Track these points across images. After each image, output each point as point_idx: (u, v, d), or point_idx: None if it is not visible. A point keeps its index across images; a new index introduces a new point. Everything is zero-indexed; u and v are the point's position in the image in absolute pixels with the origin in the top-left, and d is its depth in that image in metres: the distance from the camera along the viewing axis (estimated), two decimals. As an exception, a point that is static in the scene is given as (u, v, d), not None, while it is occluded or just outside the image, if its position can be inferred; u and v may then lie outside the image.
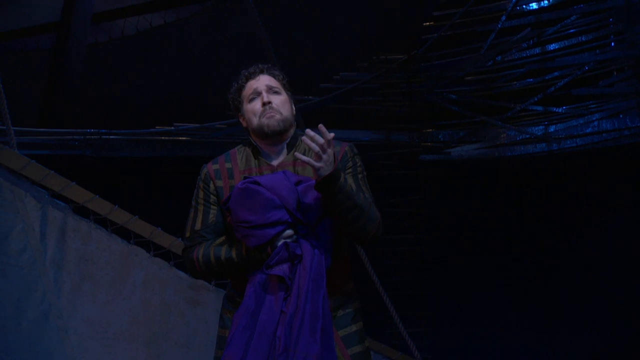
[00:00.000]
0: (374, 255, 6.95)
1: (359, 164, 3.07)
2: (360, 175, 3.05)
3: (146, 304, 5.06)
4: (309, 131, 2.85)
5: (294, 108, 3.08)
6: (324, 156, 2.83)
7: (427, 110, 9.25)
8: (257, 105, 3.00)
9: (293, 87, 3.19)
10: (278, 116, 2.97)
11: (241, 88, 3.06)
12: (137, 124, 9.39)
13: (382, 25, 9.83)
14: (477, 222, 8.96)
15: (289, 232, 2.86)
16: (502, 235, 8.91)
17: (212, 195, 3.00)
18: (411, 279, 8.21)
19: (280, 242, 2.84)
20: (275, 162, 2.99)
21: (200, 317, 5.11)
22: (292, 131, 3.03)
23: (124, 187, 8.36)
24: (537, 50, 9.10)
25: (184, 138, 9.14)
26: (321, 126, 2.88)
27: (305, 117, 9.37)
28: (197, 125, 8.98)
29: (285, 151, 3.02)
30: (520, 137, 8.99)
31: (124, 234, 5.20)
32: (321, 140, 2.84)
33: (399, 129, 9.11)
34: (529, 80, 9.13)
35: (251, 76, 3.06)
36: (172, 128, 9.18)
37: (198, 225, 3.00)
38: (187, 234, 3.03)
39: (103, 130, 9.12)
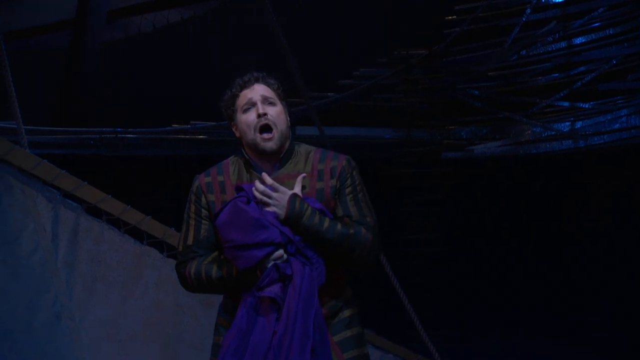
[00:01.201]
0: (394, 255, 6.94)
1: (357, 181, 3.05)
2: (360, 195, 3.04)
3: (159, 305, 5.09)
4: (258, 184, 2.88)
5: (288, 119, 3.07)
6: (270, 201, 2.87)
7: (449, 107, 9.23)
8: (251, 116, 2.98)
9: (298, 91, 3.18)
10: (276, 135, 2.96)
11: (235, 97, 3.05)
12: (153, 122, 9.46)
13: (402, 19, 9.81)
14: (500, 222, 8.92)
15: (278, 253, 2.87)
16: (526, 236, 8.87)
17: (203, 210, 3.01)
18: (432, 280, 8.20)
19: (270, 264, 2.85)
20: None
21: (214, 318, 5.12)
22: (287, 145, 3.02)
23: (139, 186, 8.42)
24: (563, 44, 9.05)
25: (200, 136, 9.19)
26: (264, 174, 2.93)
27: (324, 114, 9.39)
28: (214, 124, 9.02)
29: (278, 165, 3.02)
30: (546, 134, 8.95)
31: (137, 234, 5.24)
32: (261, 187, 2.88)
33: (420, 126, 9.10)
34: (554, 75, 9.08)
35: (246, 85, 3.04)
36: (189, 126, 9.23)
37: (190, 240, 3.02)
38: (180, 249, 3.05)
39: (119, 129, 9.19)
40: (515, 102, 9.12)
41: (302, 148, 3.08)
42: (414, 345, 6.05)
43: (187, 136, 9.32)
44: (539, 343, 8.33)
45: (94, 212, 5.18)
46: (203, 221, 3.01)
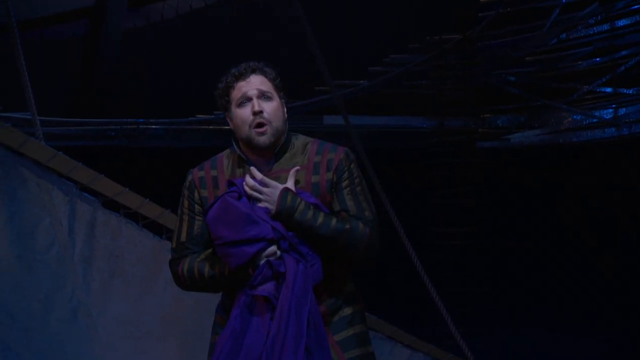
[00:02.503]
0: (424, 249, 6.95)
1: (355, 174, 3.04)
2: (358, 188, 3.03)
3: (178, 301, 5.15)
4: (248, 179, 2.91)
5: (286, 112, 3.08)
6: (261, 196, 2.90)
7: (484, 94, 9.19)
8: (246, 112, 2.98)
9: (292, 89, 3.15)
10: (269, 130, 2.97)
11: (230, 88, 3.04)
12: (176, 112, 9.53)
13: (435, 3, 9.78)
14: (538, 215, 8.87)
15: (271, 249, 2.87)
16: (566, 230, 8.81)
17: (196, 205, 3.02)
18: (465, 276, 8.18)
19: (263, 261, 2.86)
20: (262, 172, 3.00)
21: (235, 315, 5.18)
22: (282, 139, 3.03)
23: (160, 179, 8.50)
24: (606, 26, 8.96)
25: (225, 127, 9.25)
26: (253, 169, 2.95)
27: (353, 103, 9.39)
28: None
29: (273, 159, 3.03)
30: (587, 122, 8.89)
31: (156, 228, 5.29)
32: (251, 182, 2.90)
33: (454, 115, 9.07)
34: (596, 59, 9.00)
35: (241, 76, 3.02)
36: (213, 116, 9.30)
37: (183, 237, 3.03)
38: (174, 245, 3.07)
39: (140, 120, 9.28)
40: (554, 89, 9.06)
41: (300, 140, 3.07)
42: (444, 343, 6.06)
43: (210, 127, 9.38)
44: (575, 344, 8.29)
45: (112, 205, 5.25)
46: (196, 217, 3.03)
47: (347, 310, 3.02)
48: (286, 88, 3.08)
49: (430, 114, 9.13)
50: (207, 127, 9.47)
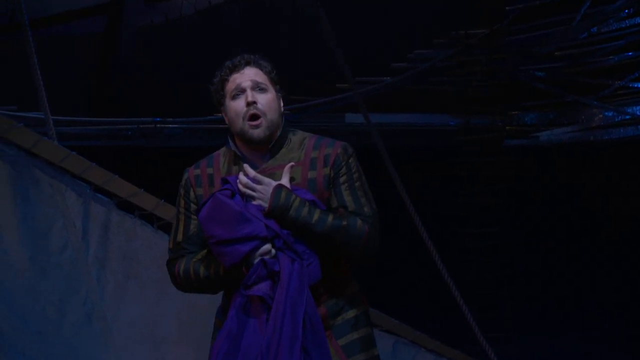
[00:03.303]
0: (448, 250, 6.92)
1: (354, 169, 3.02)
2: (357, 183, 3.00)
3: (194, 305, 5.15)
4: (241, 177, 2.89)
5: (281, 105, 3.06)
6: (255, 194, 2.88)
7: (511, 90, 9.15)
8: (240, 104, 2.97)
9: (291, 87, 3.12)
10: (264, 123, 2.95)
11: (224, 81, 3.04)
12: (194, 111, 9.56)
13: (460, -4, 9.75)
14: (568, 216, 8.81)
15: (265, 248, 2.86)
16: (596, 230, 8.74)
17: (192, 204, 3.02)
18: (491, 278, 8.14)
19: (257, 260, 2.85)
20: (258, 168, 2.99)
21: (253, 319, 5.18)
22: (277, 133, 3.01)
23: (176, 179, 8.53)
24: (638, 19, 8.89)
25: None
26: (246, 166, 2.93)
27: (376, 100, 9.37)
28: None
29: (269, 155, 3.01)
30: (619, 118, 8.82)
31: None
32: (244, 180, 2.88)
33: (480, 112, 9.03)
34: (628, 53, 8.92)
35: (235, 68, 3.02)
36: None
37: (180, 237, 3.04)
38: (170, 246, 3.08)
39: (158, 119, 9.32)
40: (584, 84, 9.00)
41: (297, 136, 3.06)
42: (470, 348, 6.03)
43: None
44: (607, 349, 8.22)
45: (126, 206, 5.26)
46: (192, 216, 3.03)
47: (350, 313, 3.00)
48: (283, 83, 3.07)
49: (455, 112, 9.10)
50: (225, 125, 9.48)
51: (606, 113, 8.89)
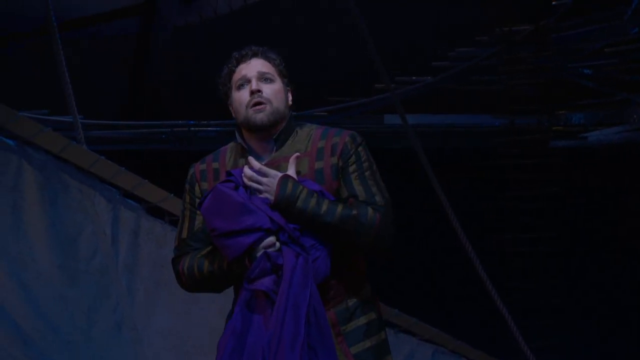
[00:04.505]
0: (490, 257, 6.88)
1: (363, 158, 3.00)
2: (367, 172, 2.98)
3: (226, 312, 5.18)
4: (246, 170, 2.91)
5: (289, 98, 3.06)
6: (261, 187, 2.88)
7: (558, 89, 9.07)
8: (245, 94, 2.99)
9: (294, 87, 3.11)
10: (268, 108, 2.96)
11: (231, 72, 3.06)
12: (229, 114, 9.60)
13: (504, -9, 9.69)
14: (618, 222, 8.71)
15: (269, 240, 2.86)
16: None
17: (197, 199, 3.03)
18: (537, 286, 8.07)
19: (260, 253, 2.85)
20: (264, 161, 3.00)
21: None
22: (283, 124, 3.01)
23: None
24: (693, 13, 8.78)
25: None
26: (250, 158, 2.94)
27: (416, 100, 9.35)
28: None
29: (274, 147, 3.02)
30: (673, 118, 8.71)
31: (203, 236, 5.32)
32: (249, 173, 2.89)
33: (526, 112, 8.97)
34: (682, 49, 8.81)
35: (242, 59, 3.05)
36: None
37: (185, 234, 3.06)
38: (176, 243, 3.09)
39: (192, 122, 9.39)
40: (636, 82, 8.89)
41: (305, 128, 3.06)
42: (513, 359, 5.99)
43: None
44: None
45: (156, 212, 5.31)
46: (197, 212, 3.04)
47: (362, 320, 2.98)
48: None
49: (499, 112, 9.05)
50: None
51: (659, 112, 8.79)
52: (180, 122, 9.41)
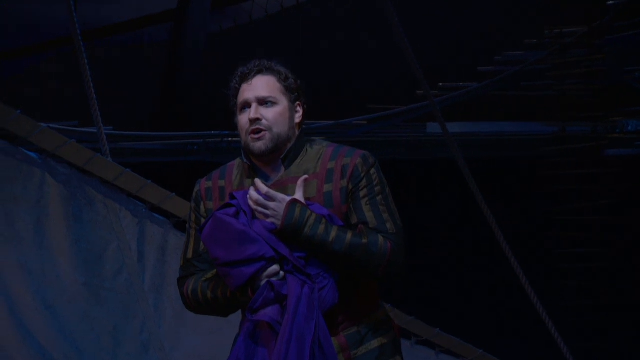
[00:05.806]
0: (542, 272, 6.81)
1: (375, 181, 2.95)
2: (379, 197, 2.93)
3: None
4: (252, 193, 2.90)
5: (299, 114, 3.04)
6: (268, 212, 2.87)
7: (613, 95, 8.99)
8: (245, 118, 2.99)
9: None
10: (267, 135, 2.95)
11: (236, 90, 3.06)
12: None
13: (555, -9, 9.65)
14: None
15: (273, 268, 2.83)
16: None
17: (202, 219, 3.02)
18: (591, 303, 7.99)
19: (264, 282, 2.84)
20: (271, 181, 2.99)
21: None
22: (289, 145, 2.99)
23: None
24: None
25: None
26: (257, 180, 2.92)
27: (461, 107, 9.31)
28: (331, 122, 9.12)
29: (282, 168, 3.00)
30: None
31: (234, 252, 5.32)
32: (255, 196, 2.87)
33: (578, 119, 8.91)
34: None
35: (245, 78, 3.04)
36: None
37: (190, 254, 3.04)
38: (181, 263, 3.09)
39: (225, 132, 9.43)
40: (696, 86, 8.78)
41: (315, 146, 3.04)
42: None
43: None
44: None
45: (184, 227, 5.31)
46: None
47: (374, 343, 2.95)
48: (302, 89, 3.04)
49: (549, 119, 9.00)
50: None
51: None
52: (213, 132, 9.45)
